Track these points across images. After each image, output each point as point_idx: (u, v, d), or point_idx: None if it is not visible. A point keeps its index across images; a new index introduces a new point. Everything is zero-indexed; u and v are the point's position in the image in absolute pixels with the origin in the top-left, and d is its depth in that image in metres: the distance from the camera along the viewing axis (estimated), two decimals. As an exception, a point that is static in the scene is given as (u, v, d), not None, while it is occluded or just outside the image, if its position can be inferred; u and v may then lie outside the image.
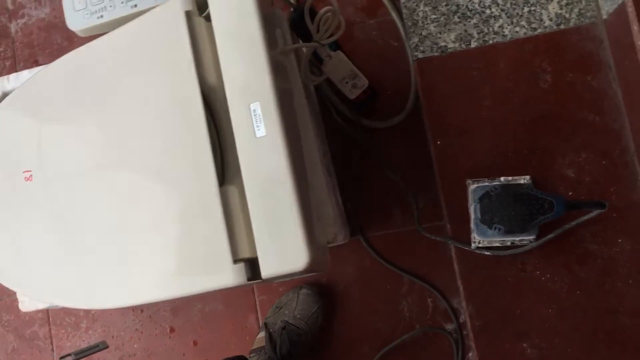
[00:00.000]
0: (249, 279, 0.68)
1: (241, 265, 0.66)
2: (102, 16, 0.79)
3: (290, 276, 0.69)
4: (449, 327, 1.08)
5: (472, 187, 0.94)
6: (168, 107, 0.71)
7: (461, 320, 1.07)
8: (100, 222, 0.75)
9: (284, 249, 0.66)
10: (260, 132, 0.66)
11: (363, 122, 1.12)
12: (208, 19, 0.72)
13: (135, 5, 0.78)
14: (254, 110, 0.67)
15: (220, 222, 0.67)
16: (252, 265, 0.69)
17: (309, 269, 0.66)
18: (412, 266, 1.10)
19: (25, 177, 0.77)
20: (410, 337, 1.09)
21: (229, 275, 0.66)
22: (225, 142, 0.71)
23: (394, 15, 1.13)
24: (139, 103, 0.72)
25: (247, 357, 1.04)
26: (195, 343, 1.17)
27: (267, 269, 0.66)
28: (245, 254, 0.68)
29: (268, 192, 0.66)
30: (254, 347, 1.07)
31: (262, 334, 1.07)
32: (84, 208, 0.75)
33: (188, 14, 0.70)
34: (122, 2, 0.78)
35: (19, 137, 0.79)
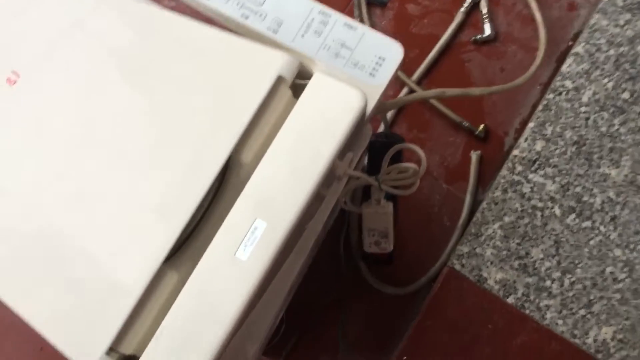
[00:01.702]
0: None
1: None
2: (210, -1, 0.67)
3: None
4: None
5: None
6: (190, 136, 0.58)
7: None
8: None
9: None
10: (243, 254, 0.53)
11: (360, 265, 0.99)
12: (296, 94, 0.60)
13: (247, 18, 0.65)
14: (255, 228, 0.53)
15: (131, 300, 0.54)
16: (124, 360, 0.56)
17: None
18: None
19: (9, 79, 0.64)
20: None
21: (88, 362, 0.52)
22: (205, 222, 0.57)
23: (467, 199, 1.01)
24: (169, 111, 0.59)
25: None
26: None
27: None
28: (127, 350, 0.54)
29: (199, 314, 0.53)
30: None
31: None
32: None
33: (279, 79, 0.57)
34: (237, 4, 0.66)
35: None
